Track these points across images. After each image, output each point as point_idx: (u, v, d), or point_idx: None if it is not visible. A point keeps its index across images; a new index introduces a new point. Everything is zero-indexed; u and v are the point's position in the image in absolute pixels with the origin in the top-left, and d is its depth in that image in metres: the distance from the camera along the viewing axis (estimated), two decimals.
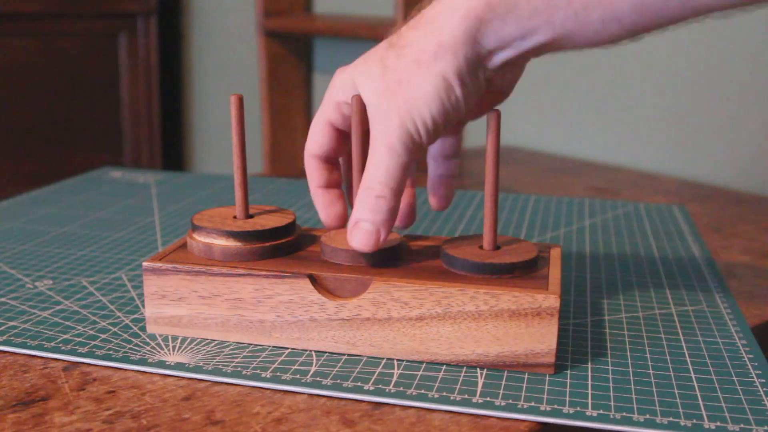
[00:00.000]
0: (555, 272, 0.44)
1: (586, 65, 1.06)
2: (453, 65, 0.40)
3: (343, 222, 0.48)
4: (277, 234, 0.47)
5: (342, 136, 0.47)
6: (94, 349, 0.44)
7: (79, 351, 0.44)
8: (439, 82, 0.41)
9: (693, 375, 0.42)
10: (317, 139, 0.47)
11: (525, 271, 0.43)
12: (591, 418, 0.38)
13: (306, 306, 0.44)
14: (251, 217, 0.48)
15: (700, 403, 0.39)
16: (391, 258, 0.45)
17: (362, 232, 0.43)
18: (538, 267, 0.44)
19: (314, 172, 0.48)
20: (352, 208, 0.45)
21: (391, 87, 0.41)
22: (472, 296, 0.41)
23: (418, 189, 0.84)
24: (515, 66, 0.45)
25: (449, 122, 0.42)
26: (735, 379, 0.42)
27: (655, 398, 0.40)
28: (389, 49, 0.42)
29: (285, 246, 0.47)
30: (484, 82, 0.42)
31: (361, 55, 0.45)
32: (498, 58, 0.41)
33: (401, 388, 0.40)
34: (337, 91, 0.45)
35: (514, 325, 0.41)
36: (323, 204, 0.48)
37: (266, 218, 0.48)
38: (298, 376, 0.42)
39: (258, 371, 0.42)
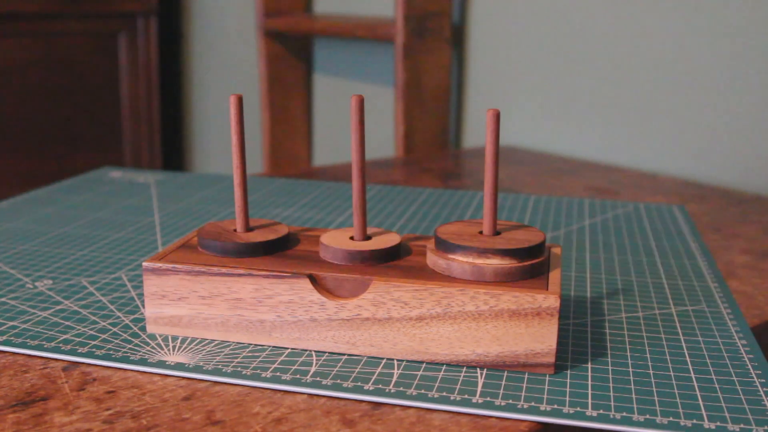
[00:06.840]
0: (555, 272, 0.44)
1: (587, 64, 1.06)
2: None
3: None
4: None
5: None
6: (94, 349, 0.44)
7: (79, 351, 0.44)
8: None
9: (693, 375, 0.42)
10: None
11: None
12: (591, 418, 0.38)
13: (306, 306, 0.44)
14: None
15: (700, 403, 0.39)
16: (390, 258, 0.45)
17: None
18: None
19: None
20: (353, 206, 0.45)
21: None
22: (472, 296, 0.41)
23: (416, 189, 0.84)
24: None
25: None
26: (735, 379, 0.42)
27: (655, 398, 0.40)
28: None
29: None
30: None
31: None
32: None
33: (401, 388, 0.40)
34: None
35: (514, 325, 0.41)
36: None
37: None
38: (298, 376, 0.42)
39: (258, 371, 0.42)
